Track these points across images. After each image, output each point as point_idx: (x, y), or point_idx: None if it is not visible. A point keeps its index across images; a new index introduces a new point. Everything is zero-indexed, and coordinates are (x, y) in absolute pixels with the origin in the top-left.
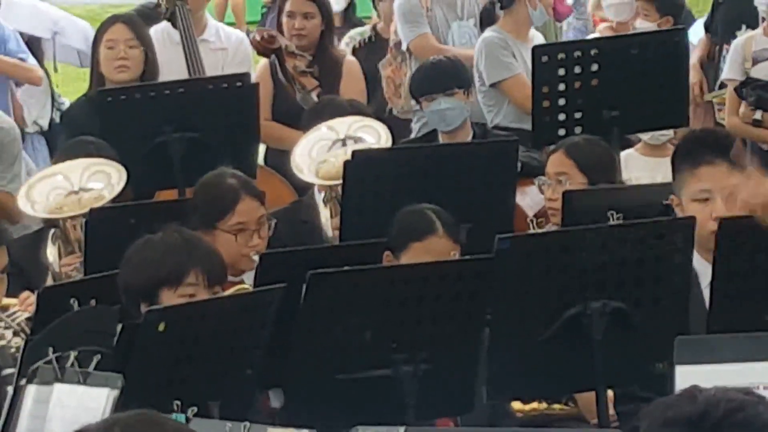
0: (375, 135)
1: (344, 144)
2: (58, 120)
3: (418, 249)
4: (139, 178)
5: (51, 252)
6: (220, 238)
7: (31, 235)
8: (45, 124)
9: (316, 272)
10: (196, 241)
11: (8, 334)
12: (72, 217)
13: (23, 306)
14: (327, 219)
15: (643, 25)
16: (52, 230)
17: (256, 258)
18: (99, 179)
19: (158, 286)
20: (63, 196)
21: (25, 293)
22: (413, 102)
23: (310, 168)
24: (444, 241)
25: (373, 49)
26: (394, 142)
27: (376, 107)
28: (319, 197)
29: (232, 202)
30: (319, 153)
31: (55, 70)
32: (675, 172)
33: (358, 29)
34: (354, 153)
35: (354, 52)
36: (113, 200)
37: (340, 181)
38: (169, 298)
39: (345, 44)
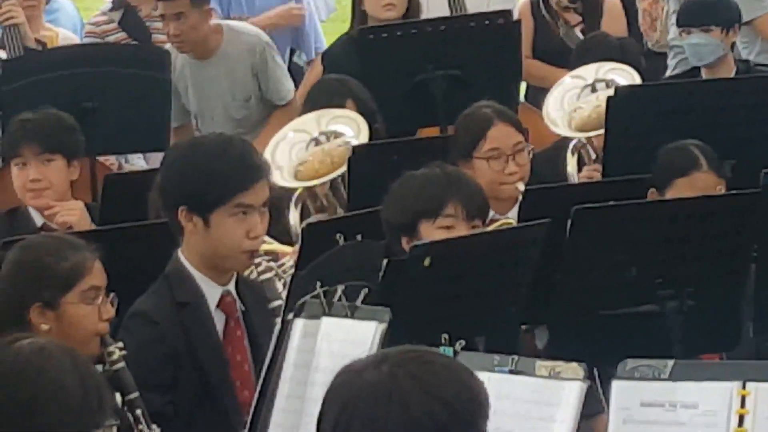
0: (627, 77)
1: (594, 89)
2: None
3: (683, 185)
4: (400, 116)
5: (293, 216)
6: (478, 167)
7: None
8: None
9: (580, 207)
10: (456, 174)
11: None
12: (322, 184)
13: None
14: (574, 167)
15: None
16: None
17: (521, 186)
18: (342, 122)
19: (417, 218)
20: (304, 150)
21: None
22: (670, 36)
23: (563, 120)
24: (708, 176)
25: None
26: (644, 79)
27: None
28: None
29: (485, 128)
30: (570, 102)
31: None
32: None
33: None
34: (617, 89)
35: None
36: (370, 137)
37: (596, 133)
38: (428, 230)
39: None
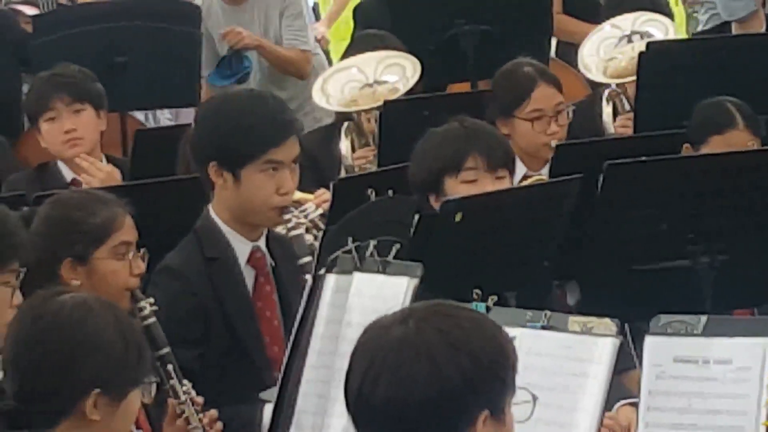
0: (662, 29)
1: (630, 40)
2: None
3: (718, 142)
4: (430, 71)
5: (344, 145)
6: (518, 127)
7: (324, 128)
8: None
9: (613, 162)
10: (475, 126)
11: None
12: (366, 110)
13: (318, 201)
14: (609, 115)
15: None
16: (346, 123)
17: (553, 143)
18: (393, 72)
19: (440, 175)
20: (357, 89)
21: (321, 190)
22: None
23: (598, 67)
24: (744, 134)
25: None
26: None
27: None
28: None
29: (529, 89)
30: (606, 51)
31: None
32: None
33: None
34: (648, 45)
35: None
36: (406, 93)
37: (629, 78)
38: (453, 185)
39: None
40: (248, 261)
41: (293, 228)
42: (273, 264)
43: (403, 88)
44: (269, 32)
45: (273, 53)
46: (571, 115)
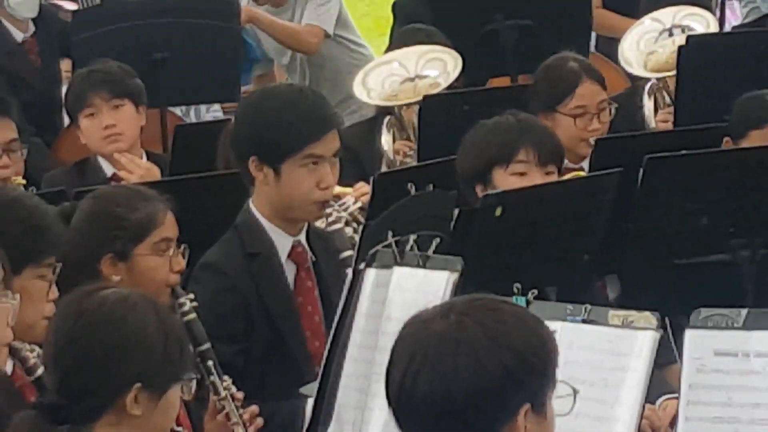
0: (703, 23)
1: (671, 34)
2: None
3: (758, 137)
4: (470, 66)
5: (386, 139)
6: (560, 122)
7: (365, 122)
8: None
9: (653, 156)
10: (528, 120)
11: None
12: (407, 105)
13: (357, 194)
14: (650, 109)
15: None
16: (387, 117)
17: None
18: (434, 66)
19: (490, 165)
20: (398, 83)
21: (360, 183)
22: None
23: (638, 61)
24: None
25: None
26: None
27: None
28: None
29: (573, 85)
30: (647, 45)
31: None
32: None
33: None
34: (689, 38)
35: None
36: (447, 87)
37: (670, 72)
38: (502, 177)
39: None
40: (289, 256)
41: (333, 222)
42: (314, 259)
43: (444, 82)
44: None
45: (270, 25)
46: (613, 112)
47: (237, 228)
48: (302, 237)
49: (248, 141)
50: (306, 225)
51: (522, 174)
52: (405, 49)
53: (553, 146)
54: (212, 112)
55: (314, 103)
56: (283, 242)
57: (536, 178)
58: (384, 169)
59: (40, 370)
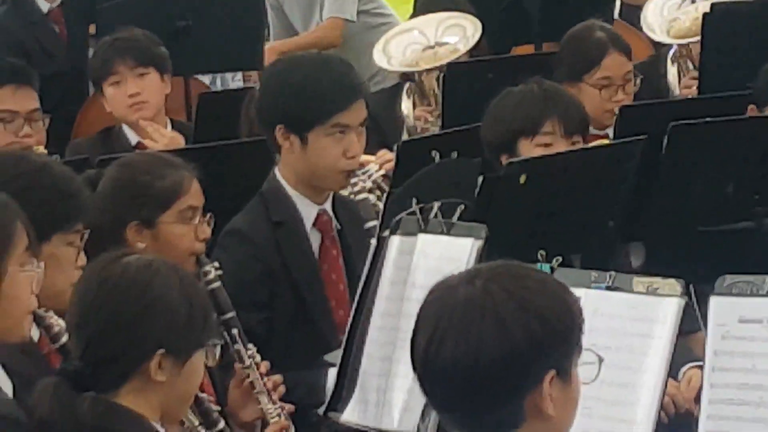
0: None
1: (694, 0)
2: None
3: None
4: (496, 33)
5: (406, 105)
6: (585, 92)
7: (386, 89)
8: None
9: (677, 123)
10: (553, 90)
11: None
12: (428, 71)
13: (380, 161)
14: (674, 76)
15: None
16: (407, 84)
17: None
18: (454, 33)
19: (516, 136)
20: (419, 51)
21: (383, 150)
22: None
23: (661, 27)
24: None
25: None
26: None
27: None
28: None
29: (600, 56)
30: (670, 11)
31: None
32: None
33: None
34: (713, 6)
35: None
36: (469, 54)
37: (693, 39)
38: (527, 148)
39: None
40: (314, 224)
41: (359, 192)
42: (339, 227)
43: (464, 48)
44: None
45: (297, 46)
46: (638, 83)
47: (262, 195)
48: (328, 205)
49: (275, 109)
50: (331, 193)
51: (547, 145)
52: (424, 17)
53: (578, 117)
54: (236, 81)
55: (341, 72)
56: (308, 210)
57: (561, 148)
58: (405, 136)
59: (64, 338)
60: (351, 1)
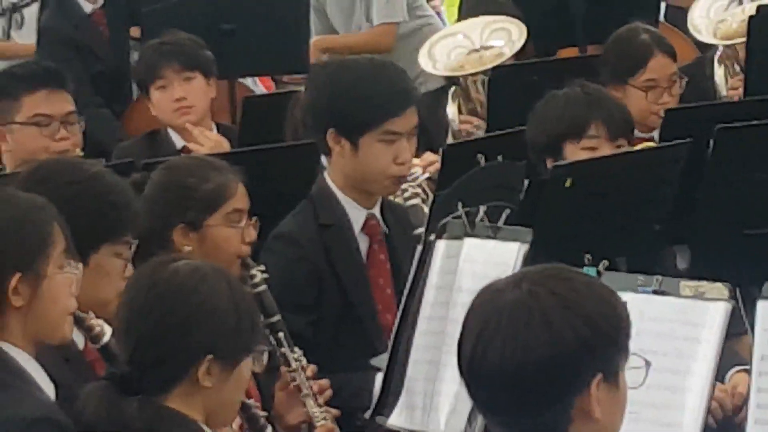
0: None
1: (741, 2)
2: None
3: None
4: (541, 36)
5: (451, 110)
6: (631, 94)
7: (432, 92)
8: None
9: (723, 126)
10: (598, 94)
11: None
12: (473, 75)
13: (424, 164)
14: (721, 78)
15: None
16: (453, 88)
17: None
18: (499, 36)
19: (561, 139)
20: (464, 55)
21: (427, 153)
22: None
23: (707, 28)
24: None
25: None
26: None
27: None
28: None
29: (645, 58)
30: (717, 13)
31: None
32: None
33: None
34: (759, 8)
35: None
36: (515, 57)
37: (739, 40)
38: (573, 151)
39: None
40: (362, 228)
41: (410, 198)
42: (386, 232)
43: (509, 51)
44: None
45: (345, 46)
46: (684, 85)
47: (312, 198)
48: (376, 210)
49: (327, 112)
50: (380, 198)
51: (593, 149)
52: (469, 21)
53: (623, 120)
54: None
55: (395, 78)
56: (356, 214)
57: (607, 152)
58: (450, 139)
59: (105, 338)
60: (400, 3)
